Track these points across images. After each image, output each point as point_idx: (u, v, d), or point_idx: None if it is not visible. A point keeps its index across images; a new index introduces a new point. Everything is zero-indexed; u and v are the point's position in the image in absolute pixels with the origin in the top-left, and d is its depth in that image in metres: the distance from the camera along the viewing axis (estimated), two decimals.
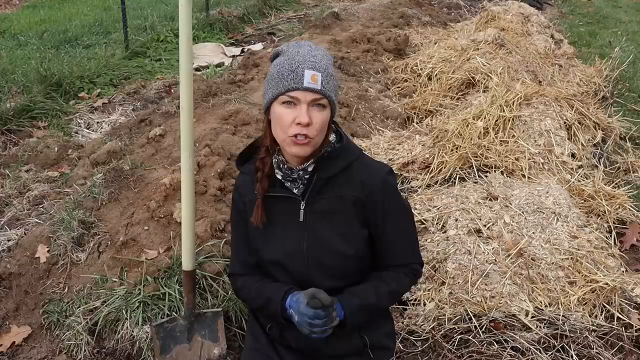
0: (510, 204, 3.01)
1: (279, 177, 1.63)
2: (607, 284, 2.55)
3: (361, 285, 1.67)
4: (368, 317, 1.68)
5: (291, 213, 1.64)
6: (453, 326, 2.43)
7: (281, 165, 1.62)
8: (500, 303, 2.50)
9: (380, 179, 1.64)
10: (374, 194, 1.62)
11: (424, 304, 2.58)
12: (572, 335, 2.33)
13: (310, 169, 1.60)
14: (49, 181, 3.59)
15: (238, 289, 1.81)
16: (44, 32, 7.05)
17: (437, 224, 2.99)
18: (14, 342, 2.47)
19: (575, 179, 3.47)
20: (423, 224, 3.03)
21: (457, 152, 3.63)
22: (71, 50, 6.38)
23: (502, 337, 2.35)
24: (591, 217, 3.18)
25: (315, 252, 1.63)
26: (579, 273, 2.65)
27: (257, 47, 6.86)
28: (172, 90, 5.16)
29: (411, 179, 3.63)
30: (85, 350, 2.37)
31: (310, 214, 1.63)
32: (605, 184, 3.47)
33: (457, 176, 3.50)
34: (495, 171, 3.47)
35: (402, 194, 1.78)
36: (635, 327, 2.41)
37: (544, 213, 2.96)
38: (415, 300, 2.62)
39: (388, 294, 1.69)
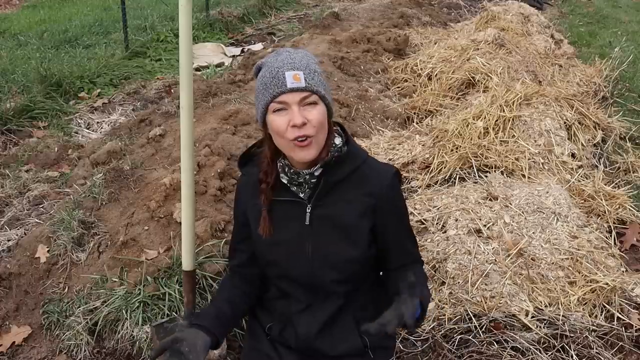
0: (510, 204, 3.01)
1: (285, 181, 1.61)
2: (607, 284, 2.55)
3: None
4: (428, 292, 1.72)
5: (296, 216, 1.63)
6: (453, 326, 2.43)
7: (286, 170, 1.60)
8: (500, 303, 2.50)
9: (388, 181, 1.63)
10: (382, 197, 1.61)
11: None
12: (572, 335, 2.33)
13: (317, 173, 1.58)
14: (49, 181, 3.59)
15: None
16: (44, 32, 7.05)
17: (437, 224, 2.99)
18: (14, 342, 2.47)
19: (575, 179, 3.46)
20: (423, 224, 3.02)
21: (457, 152, 3.63)
22: (71, 50, 6.38)
23: (502, 337, 2.35)
24: (591, 217, 3.17)
25: (320, 256, 1.62)
26: (579, 273, 2.65)
27: (257, 47, 6.86)
28: (172, 90, 5.16)
29: (411, 179, 3.63)
30: (85, 350, 2.37)
31: (317, 217, 1.61)
32: (605, 184, 3.46)
33: (457, 176, 3.49)
34: (495, 171, 3.46)
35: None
36: (635, 327, 2.41)
37: (544, 213, 2.96)
38: None
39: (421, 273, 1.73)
